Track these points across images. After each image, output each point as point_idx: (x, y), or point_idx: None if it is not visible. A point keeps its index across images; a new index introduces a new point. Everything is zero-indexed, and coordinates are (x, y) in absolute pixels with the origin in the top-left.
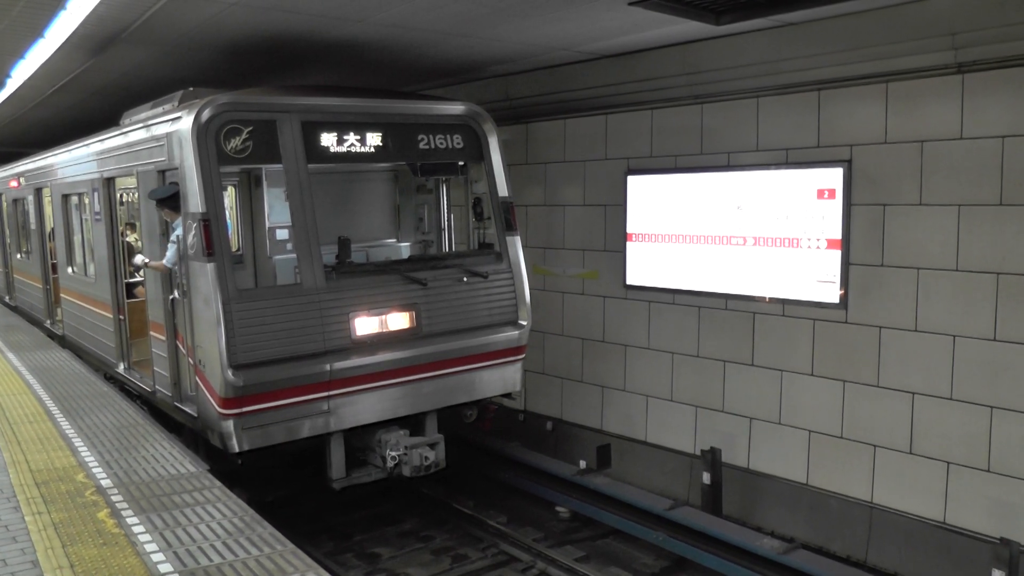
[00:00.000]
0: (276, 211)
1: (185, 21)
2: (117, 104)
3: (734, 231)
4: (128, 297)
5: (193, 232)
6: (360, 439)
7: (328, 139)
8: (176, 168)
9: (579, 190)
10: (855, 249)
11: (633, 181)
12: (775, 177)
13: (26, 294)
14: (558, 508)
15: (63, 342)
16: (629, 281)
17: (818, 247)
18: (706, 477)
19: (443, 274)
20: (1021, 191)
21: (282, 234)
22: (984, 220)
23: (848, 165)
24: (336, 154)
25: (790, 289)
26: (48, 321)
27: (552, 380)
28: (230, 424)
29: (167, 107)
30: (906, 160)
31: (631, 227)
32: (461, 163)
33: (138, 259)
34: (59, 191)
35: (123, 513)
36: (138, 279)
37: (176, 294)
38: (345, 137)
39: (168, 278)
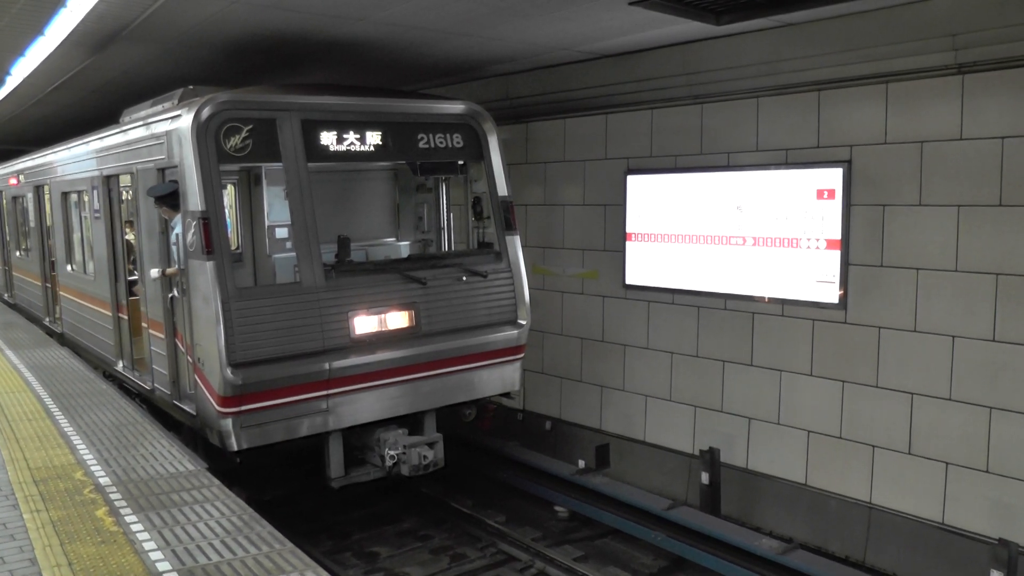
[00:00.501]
0: (276, 210)
1: (185, 19)
2: (117, 102)
3: (734, 231)
4: (130, 295)
5: (192, 230)
6: (359, 438)
7: (328, 138)
8: (176, 166)
9: (579, 190)
10: (855, 249)
11: (633, 181)
12: (775, 177)
13: (25, 291)
14: (557, 508)
15: (62, 339)
16: (628, 281)
17: (817, 247)
18: (705, 477)
19: (442, 273)
20: (1021, 192)
21: (281, 233)
22: (984, 221)
23: (848, 165)
24: (336, 153)
25: (789, 289)
26: (47, 318)
27: (551, 380)
28: (229, 422)
29: (167, 105)
30: (906, 161)
31: (631, 227)
32: (461, 162)
33: (154, 272)
34: (58, 189)
35: (121, 511)
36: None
37: (175, 292)
38: (345, 136)
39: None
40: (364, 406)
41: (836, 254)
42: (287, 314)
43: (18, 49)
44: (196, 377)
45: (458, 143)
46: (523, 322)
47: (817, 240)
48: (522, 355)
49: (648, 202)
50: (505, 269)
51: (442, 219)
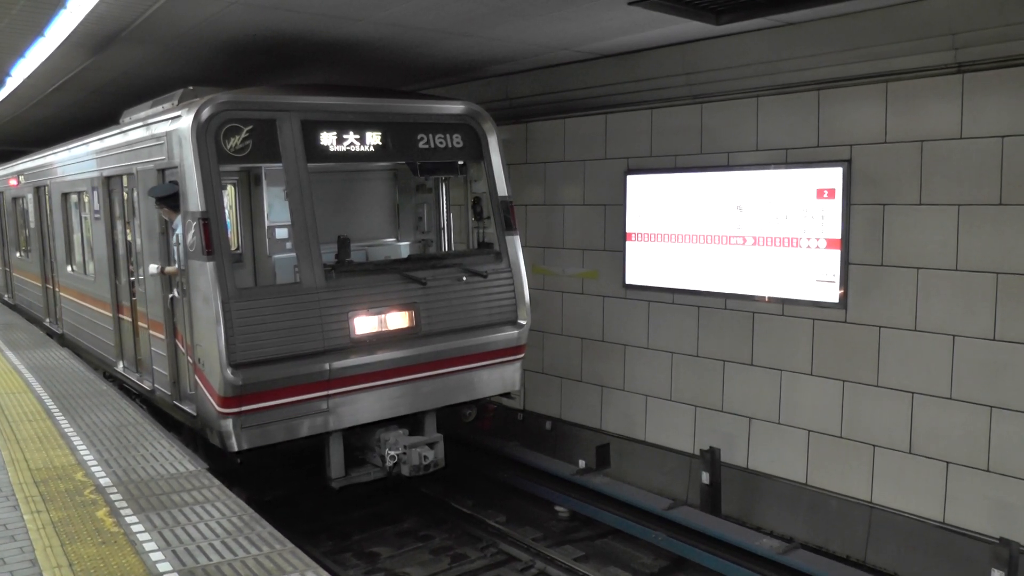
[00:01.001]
0: (276, 210)
1: (185, 20)
2: (117, 103)
3: (734, 231)
4: (132, 296)
5: (193, 231)
6: (359, 438)
7: (328, 138)
8: (176, 167)
9: (579, 190)
10: (855, 249)
11: (633, 181)
12: (775, 177)
13: (25, 292)
14: (557, 508)
15: (62, 340)
16: (628, 281)
17: (818, 247)
18: (705, 477)
19: (442, 273)
20: (1021, 191)
21: (281, 233)
22: (984, 220)
23: (848, 165)
24: (336, 153)
25: (790, 289)
26: (47, 319)
27: (551, 380)
28: (229, 423)
29: (167, 106)
30: (906, 160)
31: (631, 227)
32: (461, 162)
33: (153, 268)
34: (59, 190)
35: (122, 512)
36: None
37: (175, 293)
38: (345, 136)
39: (167, 277)
40: (364, 406)
41: (836, 253)
42: (287, 314)
43: (18, 50)
44: (196, 378)
45: (458, 143)
46: (523, 322)
47: (817, 239)
48: (522, 355)
49: (648, 202)
50: (505, 269)
51: (442, 219)
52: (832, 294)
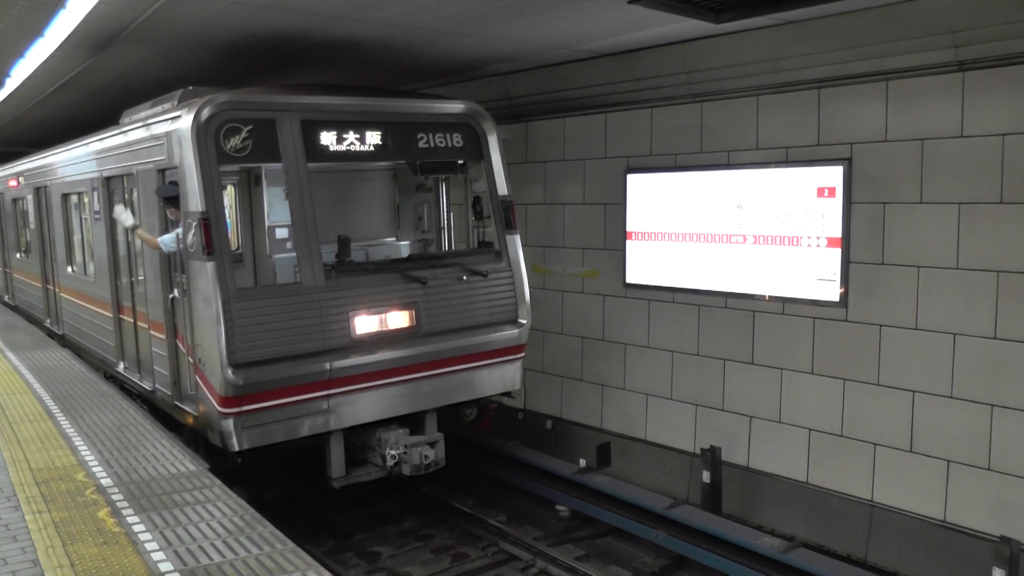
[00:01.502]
0: (276, 210)
1: (184, 20)
2: (116, 103)
3: (734, 229)
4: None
5: (193, 231)
6: (360, 438)
7: (328, 138)
8: (176, 167)
9: (579, 189)
10: (855, 247)
11: (633, 179)
12: (775, 175)
13: (26, 293)
14: (558, 507)
15: (63, 341)
16: (629, 279)
17: (818, 245)
18: (706, 476)
19: (443, 273)
20: (1021, 189)
21: (282, 233)
22: (984, 218)
23: (848, 163)
24: (336, 153)
25: (790, 287)
26: (47, 320)
27: (552, 379)
28: (230, 423)
29: (167, 106)
30: (906, 158)
31: (631, 225)
32: (461, 162)
33: (120, 212)
34: (59, 190)
35: (123, 512)
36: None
37: (176, 293)
38: (345, 136)
39: (168, 277)
40: (365, 406)
41: (837, 252)
42: (288, 314)
43: (18, 51)
44: (197, 378)
45: (458, 143)
46: (523, 321)
47: (818, 238)
48: (523, 354)
49: (648, 201)
50: (505, 268)
51: (442, 219)
52: (833, 293)
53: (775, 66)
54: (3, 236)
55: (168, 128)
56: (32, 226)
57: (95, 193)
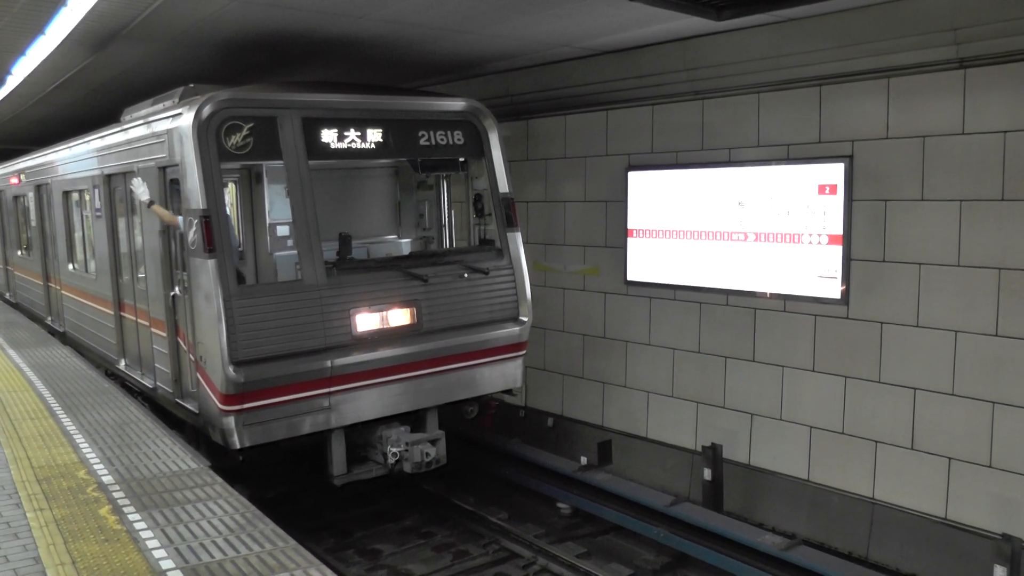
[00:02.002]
0: (277, 207)
1: (185, 18)
2: (118, 101)
3: (735, 227)
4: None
5: (194, 228)
6: (361, 435)
7: (329, 135)
8: (177, 164)
9: (580, 186)
10: (856, 245)
11: (634, 177)
12: (776, 173)
13: (27, 291)
14: (559, 504)
15: (64, 339)
16: (630, 277)
17: (819, 243)
18: (707, 473)
19: (444, 270)
20: (1023, 186)
21: (283, 230)
22: (986, 215)
23: (849, 161)
24: (337, 150)
25: (791, 285)
26: (48, 318)
27: (553, 376)
28: (231, 420)
29: (168, 104)
30: (908, 155)
31: (632, 223)
32: (462, 159)
33: (137, 185)
34: (59, 188)
35: (125, 509)
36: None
37: (177, 290)
38: (346, 133)
39: (169, 274)
40: (366, 403)
41: (838, 249)
42: (289, 312)
43: (19, 48)
44: (198, 375)
45: (459, 140)
46: (525, 319)
47: (819, 235)
48: (524, 352)
49: (649, 198)
50: (506, 266)
51: (443, 216)
52: (834, 290)
53: (776, 63)
54: (4, 233)
55: (169, 126)
56: (33, 223)
57: (96, 191)
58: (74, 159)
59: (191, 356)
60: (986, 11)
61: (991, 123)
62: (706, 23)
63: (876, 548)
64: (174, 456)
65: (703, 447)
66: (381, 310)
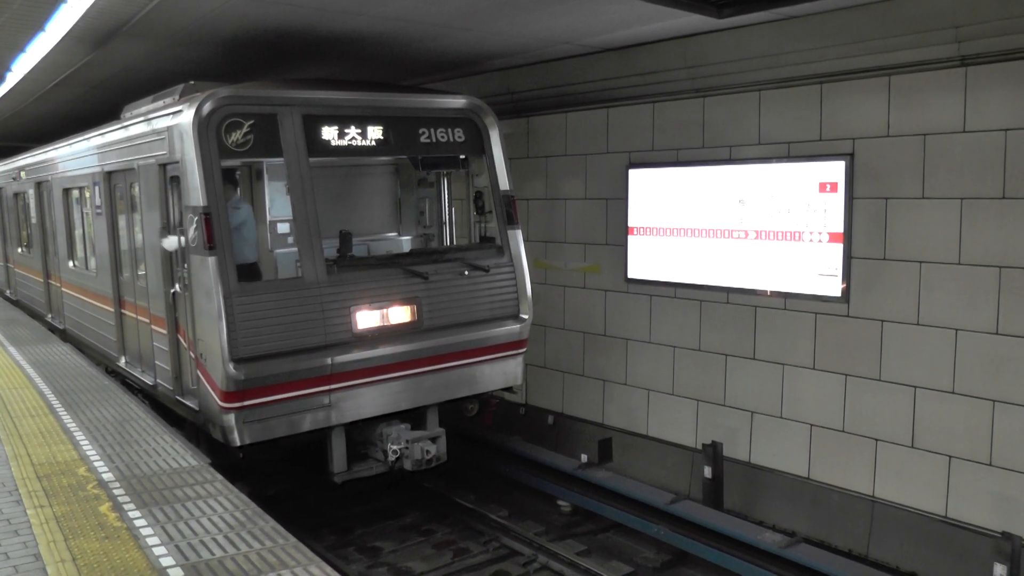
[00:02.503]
0: (277, 205)
1: (185, 14)
2: (118, 98)
3: (736, 225)
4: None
5: (194, 226)
6: (361, 433)
7: (329, 133)
8: (177, 161)
9: (580, 184)
10: (857, 243)
11: (634, 175)
12: (777, 170)
13: (27, 288)
14: (559, 502)
15: (64, 336)
16: (630, 275)
17: (820, 241)
18: (707, 471)
19: (444, 268)
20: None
21: (283, 228)
22: (987, 213)
23: (850, 158)
24: (337, 148)
25: (792, 283)
26: (49, 315)
27: (553, 374)
28: (231, 418)
29: (168, 101)
30: (909, 153)
31: (632, 221)
32: (462, 157)
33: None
34: (60, 185)
35: (125, 507)
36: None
37: (177, 287)
38: (346, 131)
39: (169, 271)
40: (366, 401)
41: (839, 247)
42: (289, 309)
43: (19, 45)
44: (199, 372)
45: (459, 138)
46: (525, 316)
47: (820, 233)
48: (524, 349)
49: (650, 196)
50: (507, 263)
51: (444, 214)
52: (834, 288)
53: (777, 61)
54: (4, 231)
55: (170, 123)
56: (33, 221)
57: (96, 188)
58: (74, 156)
59: (191, 353)
60: (987, 9)
61: (992, 121)
62: (707, 21)
63: (876, 546)
64: (174, 453)
65: (703, 445)
66: (381, 307)
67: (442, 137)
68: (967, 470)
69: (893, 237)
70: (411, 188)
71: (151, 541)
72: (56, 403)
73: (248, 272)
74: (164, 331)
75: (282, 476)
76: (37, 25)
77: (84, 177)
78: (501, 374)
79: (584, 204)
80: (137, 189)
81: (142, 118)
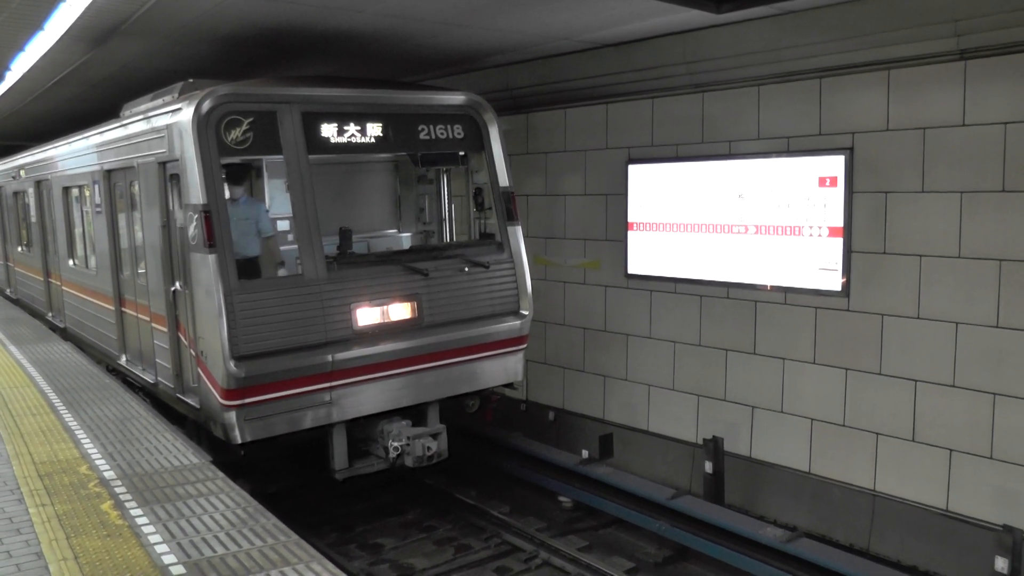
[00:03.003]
0: (277, 202)
1: (185, 12)
2: (117, 96)
3: (736, 220)
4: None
5: (194, 223)
6: (362, 430)
7: (329, 130)
8: (177, 159)
9: (580, 180)
10: (857, 237)
11: (634, 170)
12: (776, 165)
13: (27, 287)
14: (560, 498)
15: (64, 334)
16: (631, 270)
17: (820, 235)
18: (708, 466)
19: (444, 264)
20: (1023, 178)
21: (283, 225)
22: (986, 207)
23: (850, 153)
24: (337, 145)
25: (792, 277)
26: (49, 313)
27: (554, 370)
28: (232, 415)
29: (167, 99)
30: (908, 147)
31: (632, 216)
32: (462, 153)
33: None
34: (59, 183)
35: (126, 504)
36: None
37: (177, 285)
38: (346, 128)
39: (169, 269)
40: (367, 398)
41: (838, 241)
42: (290, 306)
43: (17, 44)
44: (199, 370)
45: (459, 134)
46: (525, 313)
47: (819, 228)
48: (525, 346)
49: (650, 191)
50: (507, 260)
51: (443, 210)
52: (834, 282)
53: (776, 56)
54: (4, 229)
55: (169, 121)
56: (33, 219)
57: (96, 186)
58: (74, 155)
59: (192, 351)
60: (986, 3)
61: (992, 115)
62: (706, 16)
63: (877, 540)
64: (175, 451)
65: (704, 440)
66: (382, 304)
67: (441, 134)
68: (968, 463)
69: (893, 231)
70: (411, 185)
71: (153, 539)
72: (57, 401)
73: (249, 269)
74: (165, 329)
75: (283, 473)
76: (36, 24)
77: (84, 175)
78: (502, 370)
79: (584, 200)
80: (137, 187)
81: (141, 116)
